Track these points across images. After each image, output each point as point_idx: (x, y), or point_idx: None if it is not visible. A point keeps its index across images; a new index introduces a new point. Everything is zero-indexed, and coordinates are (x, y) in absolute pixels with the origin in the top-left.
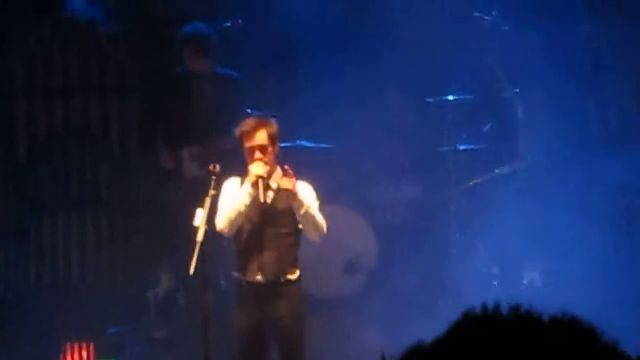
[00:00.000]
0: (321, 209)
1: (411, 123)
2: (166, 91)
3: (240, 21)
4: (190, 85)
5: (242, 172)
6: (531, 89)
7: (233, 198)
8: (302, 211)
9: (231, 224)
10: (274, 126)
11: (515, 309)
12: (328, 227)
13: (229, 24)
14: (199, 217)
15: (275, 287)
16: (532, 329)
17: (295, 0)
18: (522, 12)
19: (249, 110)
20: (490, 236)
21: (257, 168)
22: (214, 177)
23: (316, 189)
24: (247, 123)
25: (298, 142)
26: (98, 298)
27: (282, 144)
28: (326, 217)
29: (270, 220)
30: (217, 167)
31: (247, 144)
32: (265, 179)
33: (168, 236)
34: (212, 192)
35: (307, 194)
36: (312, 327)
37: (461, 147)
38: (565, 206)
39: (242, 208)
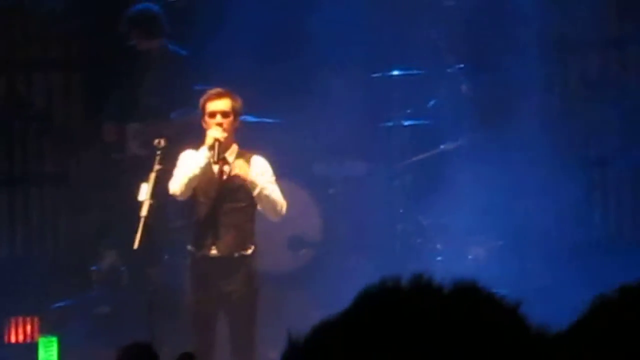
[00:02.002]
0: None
1: (356, 98)
2: (113, 64)
3: None
4: (137, 60)
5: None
6: (475, 65)
7: (189, 162)
8: (256, 192)
9: (184, 186)
10: (239, 101)
11: (416, 279)
12: None
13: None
14: (144, 192)
15: (230, 261)
16: (430, 298)
17: None
18: None
19: (197, 87)
20: (435, 212)
21: (215, 132)
22: (159, 152)
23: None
24: (215, 89)
25: (242, 117)
26: (42, 273)
27: None
28: None
29: (227, 194)
30: (163, 141)
31: (210, 108)
32: (222, 143)
33: (112, 211)
34: (157, 166)
35: (263, 173)
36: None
37: (406, 123)
38: (510, 182)
39: (197, 170)
